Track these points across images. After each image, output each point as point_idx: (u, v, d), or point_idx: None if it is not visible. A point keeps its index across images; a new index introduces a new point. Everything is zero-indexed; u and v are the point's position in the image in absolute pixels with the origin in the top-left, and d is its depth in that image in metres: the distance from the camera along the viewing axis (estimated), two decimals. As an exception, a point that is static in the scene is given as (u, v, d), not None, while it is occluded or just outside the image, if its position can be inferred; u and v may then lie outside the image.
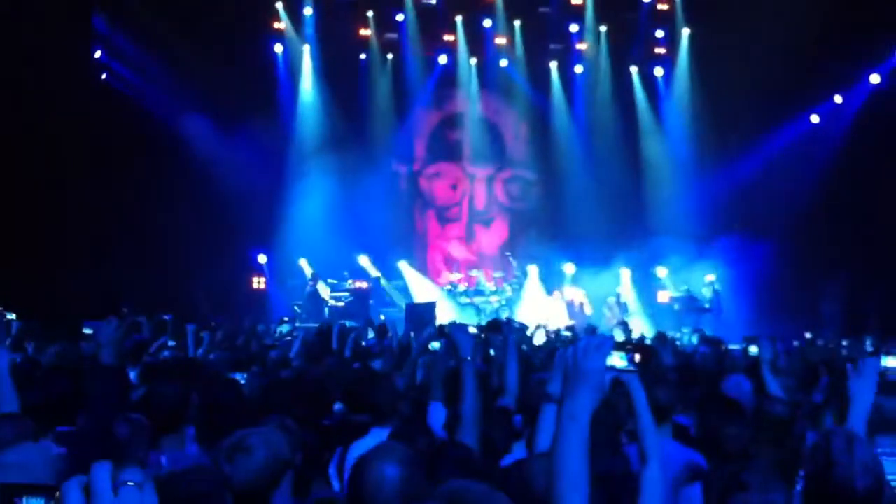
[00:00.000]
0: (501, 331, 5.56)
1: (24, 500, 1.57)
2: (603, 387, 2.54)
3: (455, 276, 21.19)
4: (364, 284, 19.49)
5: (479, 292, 20.54)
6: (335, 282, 19.51)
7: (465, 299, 20.41)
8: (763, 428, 4.39)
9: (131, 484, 1.54)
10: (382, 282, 20.27)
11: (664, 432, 4.55)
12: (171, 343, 8.28)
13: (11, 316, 6.39)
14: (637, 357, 2.62)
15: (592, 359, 2.51)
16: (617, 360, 2.66)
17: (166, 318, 10.43)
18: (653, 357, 6.99)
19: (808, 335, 15.01)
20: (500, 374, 5.38)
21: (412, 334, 10.09)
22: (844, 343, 13.22)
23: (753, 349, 6.79)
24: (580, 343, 2.57)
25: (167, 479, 2.85)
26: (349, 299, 19.10)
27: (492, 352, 6.89)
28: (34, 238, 15.69)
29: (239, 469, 3.05)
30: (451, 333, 4.71)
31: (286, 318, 10.23)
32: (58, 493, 1.56)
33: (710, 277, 19.39)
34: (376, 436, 4.49)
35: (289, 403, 4.84)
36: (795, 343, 12.56)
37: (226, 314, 15.21)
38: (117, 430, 3.88)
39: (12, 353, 5.78)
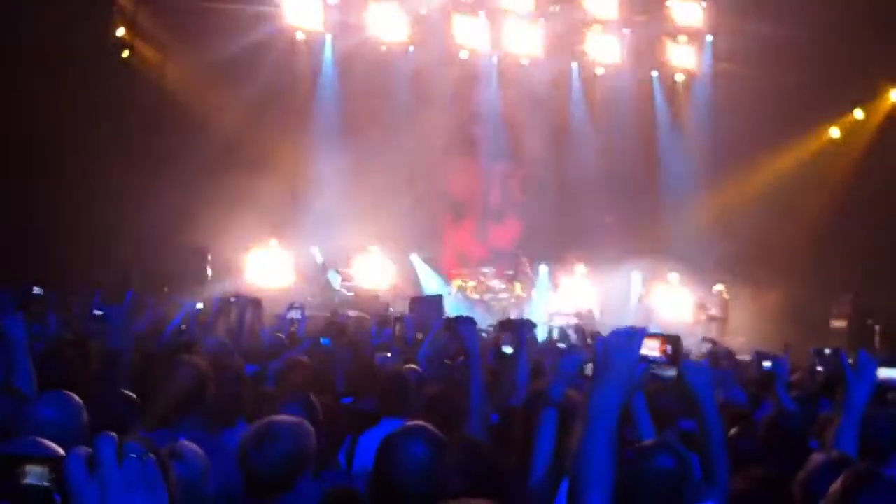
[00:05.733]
0: (514, 330, 5.53)
1: (28, 469, 1.53)
2: (633, 381, 2.43)
3: (465, 272, 21.16)
4: None
5: (490, 290, 20.50)
6: (347, 271, 19.52)
7: (475, 296, 20.37)
8: (777, 443, 4.39)
9: (134, 456, 1.54)
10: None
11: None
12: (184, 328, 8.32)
13: (39, 290, 6.30)
14: (669, 349, 2.49)
15: (623, 352, 2.41)
16: (650, 349, 2.50)
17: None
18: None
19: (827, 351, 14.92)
20: (511, 374, 5.35)
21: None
22: (850, 361, 13.12)
23: (766, 363, 6.73)
24: (610, 335, 2.48)
25: None
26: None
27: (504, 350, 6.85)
28: (50, 215, 15.71)
29: (267, 456, 3.13)
30: (458, 327, 4.61)
31: (297, 305, 10.23)
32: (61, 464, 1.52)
33: (720, 287, 19.36)
34: (387, 427, 4.47)
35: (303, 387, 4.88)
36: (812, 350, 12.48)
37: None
38: (113, 407, 4.02)
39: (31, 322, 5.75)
